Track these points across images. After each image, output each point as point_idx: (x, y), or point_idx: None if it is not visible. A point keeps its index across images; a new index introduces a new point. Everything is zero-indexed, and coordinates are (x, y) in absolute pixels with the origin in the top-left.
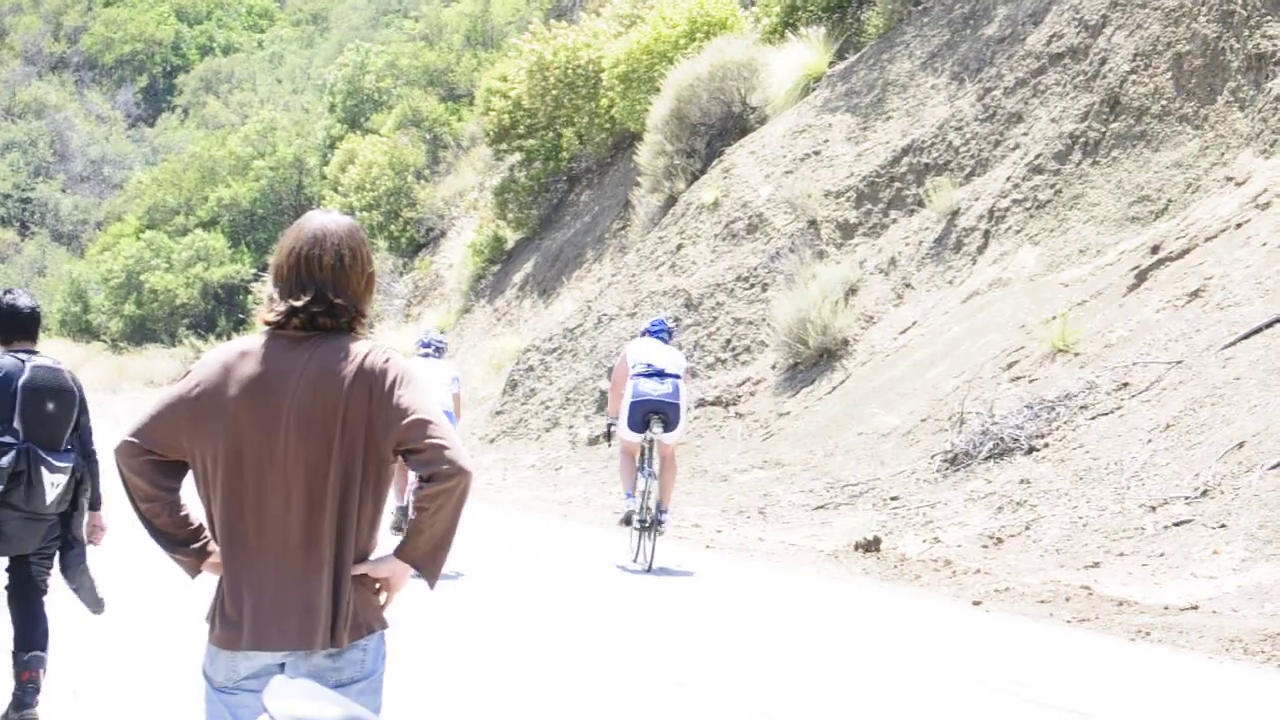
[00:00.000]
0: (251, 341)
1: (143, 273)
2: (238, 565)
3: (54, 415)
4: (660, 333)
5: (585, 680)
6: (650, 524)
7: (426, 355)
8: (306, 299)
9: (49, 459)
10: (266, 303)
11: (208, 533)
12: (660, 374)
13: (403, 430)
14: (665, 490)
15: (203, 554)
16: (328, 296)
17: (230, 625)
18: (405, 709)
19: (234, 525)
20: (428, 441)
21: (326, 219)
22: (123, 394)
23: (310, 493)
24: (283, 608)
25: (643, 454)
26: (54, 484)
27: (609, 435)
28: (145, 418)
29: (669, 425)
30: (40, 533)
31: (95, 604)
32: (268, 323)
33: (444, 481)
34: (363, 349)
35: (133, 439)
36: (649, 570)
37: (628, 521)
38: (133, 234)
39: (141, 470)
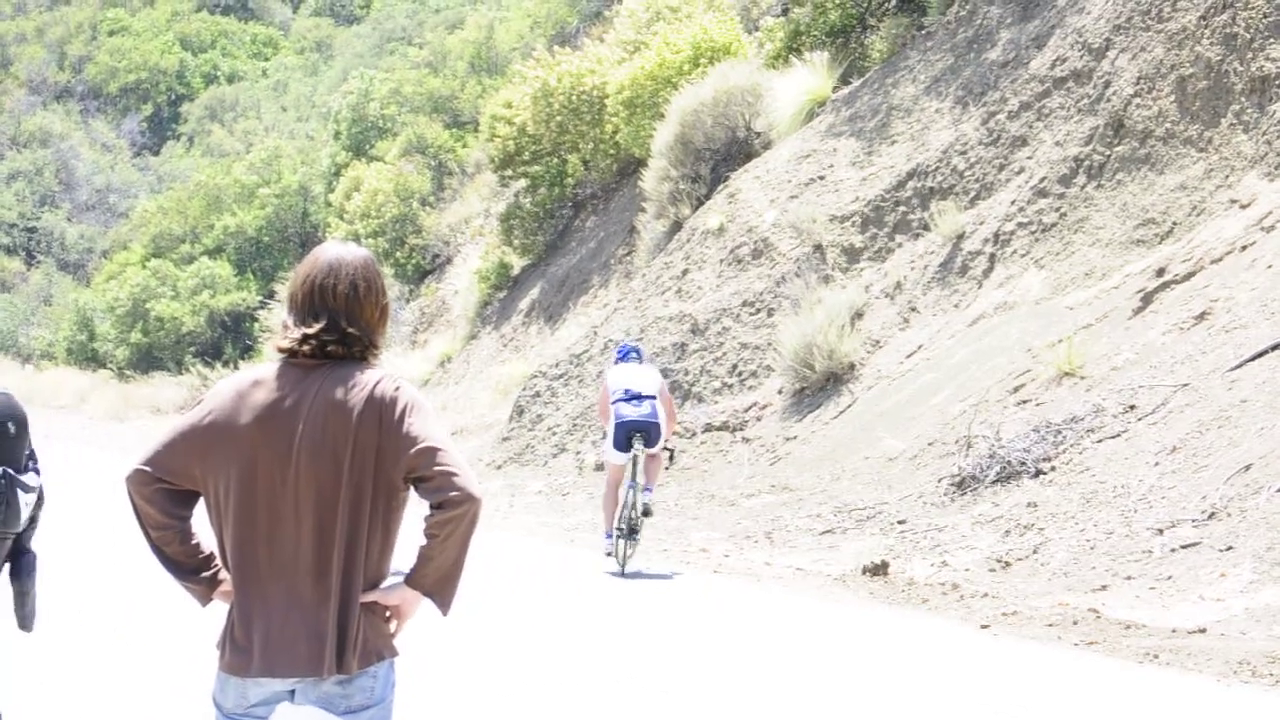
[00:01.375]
0: (264, 370)
1: (149, 301)
2: (248, 592)
3: (14, 438)
4: (630, 355)
5: (591, 703)
6: (628, 531)
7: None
8: (319, 326)
9: (21, 480)
10: (280, 330)
11: (218, 560)
12: (638, 397)
13: (411, 458)
14: (650, 476)
15: (213, 582)
16: (340, 325)
17: (240, 652)
18: None
19: (244, 552)
20: (436, 469)
21: (342, 249)
22: (130, 422)
23: (320, 521)
24: (292, 635)
25: (630, 469)
26: (27, 503)
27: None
28: (157, 446)
29: (650, 442)
30: (4, 551)
31: (28, 619)
32: (281, 350)
33: (453, 509)
34: (372, 377)
35: (145, 467)
36: (622, 573)
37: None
38: (138, 262)
39: (153, 499)
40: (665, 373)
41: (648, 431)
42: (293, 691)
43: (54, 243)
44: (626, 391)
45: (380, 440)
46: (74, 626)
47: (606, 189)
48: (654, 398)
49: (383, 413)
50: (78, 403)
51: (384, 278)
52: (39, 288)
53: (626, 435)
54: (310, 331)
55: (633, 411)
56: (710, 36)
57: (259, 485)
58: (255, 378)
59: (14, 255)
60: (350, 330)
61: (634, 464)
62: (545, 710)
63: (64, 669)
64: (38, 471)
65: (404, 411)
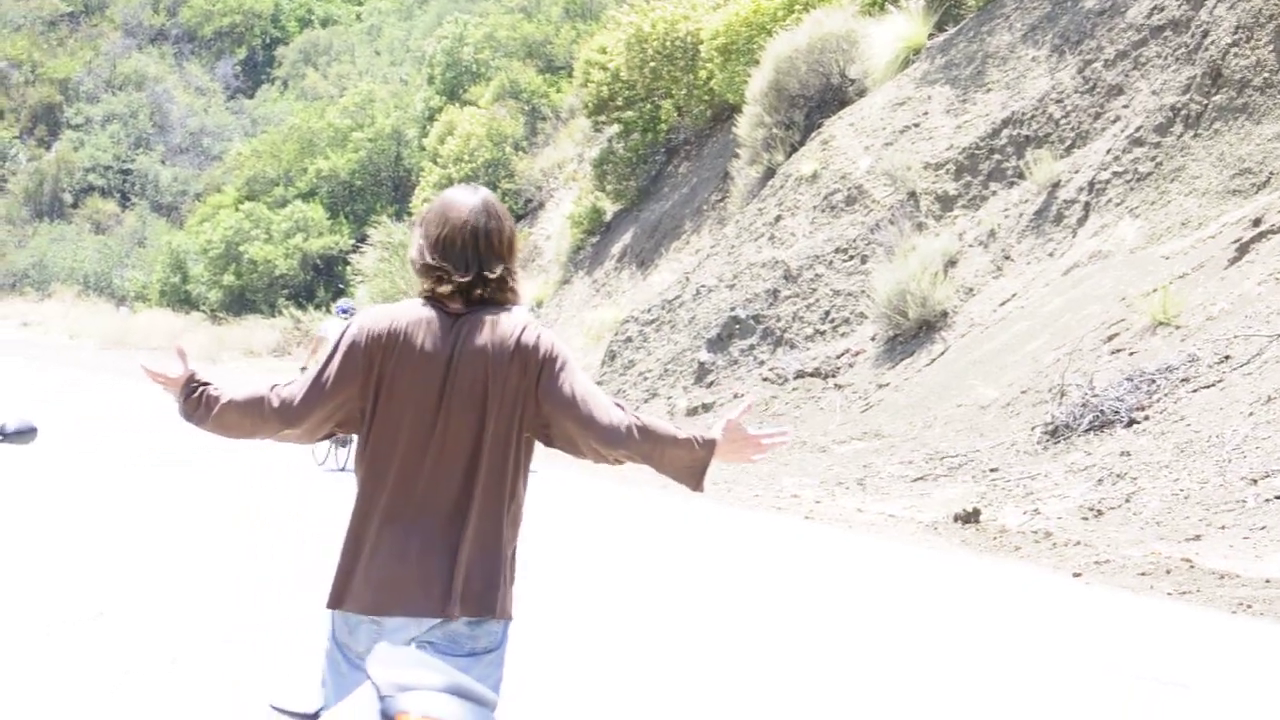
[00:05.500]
0: (410, 310)
1: (242, 244)
2: (390, 533)
3: None
4: (350, 311)
5: (675, 644)
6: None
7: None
8: (491, 273)
9: None
10: (423, 273)
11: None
12: None
13: (567, 412)
14: None
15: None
16: (500, 269)
17: (380, 590)
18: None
19: (386, 492)
20: (606, 422)
21: (484, 192)
22: (223, 364)
23: (468, 465)
24: (435, 575)
25: None
26: None
27: None
28: (309, 382)
29: None
30: None
31: None
32: (442, 296)
33: (629, 447)
34: (519, 324)
35: (291, 404)
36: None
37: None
38: (232, 205)
39: (277, 432)
40: (758, 319)
41: None
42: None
43: (148, 185)
44: None
45: (526, 389)
46: (158, 569)
47: (700, 135)
48: None
49: (528, 362)
50: (171, 344)
51: None
52: (133, 230)
53: None
54: (491, 276)
55: None
56: None
57: (406, 426)
58: (407, 318)
59: (109, 197)
60: (507, 274)
61: None
62: (637, 656)
63: (150, 610)
64: None
65: (553, 364)
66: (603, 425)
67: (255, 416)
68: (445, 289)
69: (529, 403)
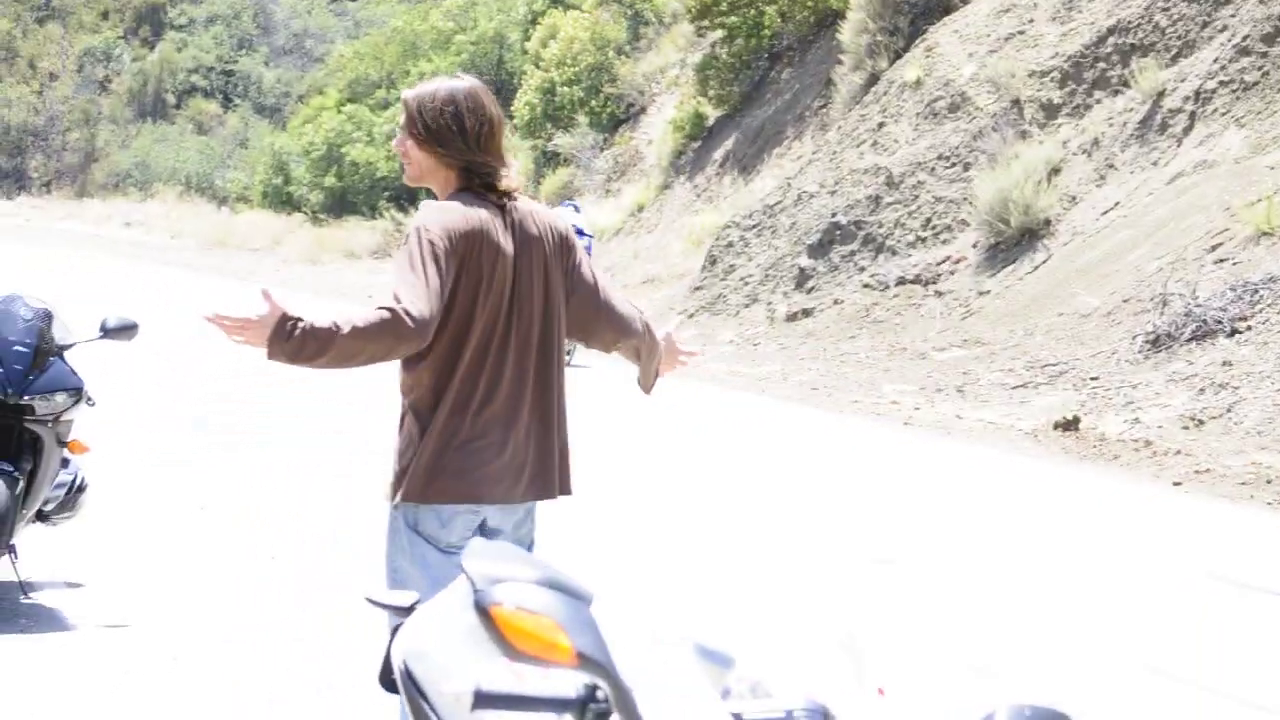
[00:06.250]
0: (468, 206)
1: (343, 145)
2: (479, 423)
3: None
4: None
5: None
6: None
7: None
8: (513, 167)
9: None
10: (474, 169)
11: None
12: None
13: (598, 301)
14: None
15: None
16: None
17: (477, 479)
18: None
19: (474, 385)
20: (628, 307)
21: (477, 82)
22: (323, 266)
23: (540, 352)
24: (526, 462)
25: None
26: None
27: None
28: (429, 295)
29: None
30: None
31: None
32: (496, 189)
33: (637, 339)
34: (552, 214)
35: (426, 319)
36: None
37: None
38: (334, 107)
39: (414, 349)
40: (859, 225)
41: None
42: (483, 522)
43: (251, 86)
44: None
45: (563, 275)
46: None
47: (803, 41)
48: None
49: (564, 250)
50: (272, 245)
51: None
52: (235, 131)
53: None
54: (510, 169)
55: None
56: None
57: (485, 318)
58: (477, 215)
59: (211, 98)
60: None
61: None
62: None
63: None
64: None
65: (575, 252)
66: (620, 314)
67: (390, 338)
68: (505, 184)
69: (565, 292)
